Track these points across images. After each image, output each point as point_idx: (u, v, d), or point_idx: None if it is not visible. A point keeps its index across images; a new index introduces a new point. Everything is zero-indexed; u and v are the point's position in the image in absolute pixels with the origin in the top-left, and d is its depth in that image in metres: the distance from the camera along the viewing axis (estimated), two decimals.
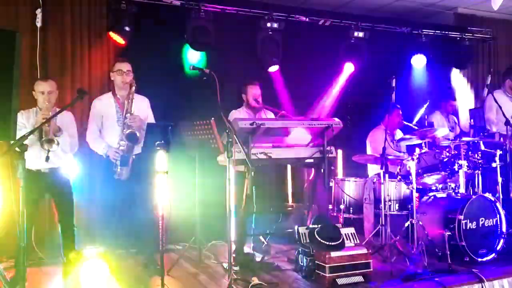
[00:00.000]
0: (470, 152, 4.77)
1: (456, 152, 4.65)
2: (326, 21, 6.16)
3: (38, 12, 4.71)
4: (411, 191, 4.47)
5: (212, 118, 3.97)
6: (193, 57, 5.48)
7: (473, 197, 4.32)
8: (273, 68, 5.87)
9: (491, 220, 4.39)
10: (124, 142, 4.04)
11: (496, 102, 5.27)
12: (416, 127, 5.17)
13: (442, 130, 5.05)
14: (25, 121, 3.94)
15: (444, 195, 4.63)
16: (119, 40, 5.02)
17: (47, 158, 3.74)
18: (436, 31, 6.78)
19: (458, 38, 6.88)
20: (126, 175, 4.07)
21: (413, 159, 4.43)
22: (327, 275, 3.58)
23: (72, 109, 4.32)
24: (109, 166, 4.09)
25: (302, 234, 3.97)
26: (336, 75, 6.33)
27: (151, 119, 4.38)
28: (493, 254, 4.29)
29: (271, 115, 4.94)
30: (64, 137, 3.95)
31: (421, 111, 5.39)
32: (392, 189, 4.81)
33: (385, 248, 4.37)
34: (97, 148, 4.18)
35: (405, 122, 5.42)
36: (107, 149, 4.11)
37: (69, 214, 4.12)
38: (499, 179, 4.86)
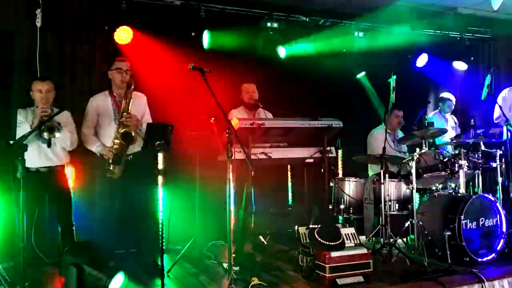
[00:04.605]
0: (470, 152, 4.77)
1: (456, 152, 4.65)
2: (326, 21, 6.16)
3: (38, 12, 4.71)
4: (411, 191, 4.47)
5: (212, 118, 3.97)
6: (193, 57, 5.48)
7: (473, 197, 4.32)
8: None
9: (491, 220, 4.39)
10: (118, 141, 4.04)
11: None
12: (415, 128, 5.17)
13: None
14: (23, 118, 3.95)
15: (444, 195, 4.63)
16: (119, 40, 5.01)
17: (49, 144, 3.75)
18: (436, 31, 6.78)
19: (458, 38, 6.88)
20: (118, 174, 4.08)
21: (413, 159, 4.43)
22: (327, 275, 3.57)
23: (72, 108, 4.32)
24: (104, 165, 4.09)
25: (302, 234, 3.97)
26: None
27: (148, 116, 4.38)
28: (493, 254, 4.29)
29: (270, 115, 4.95)
30: (64, 133, 3.95)
31: (421, 112, 5.40)
32: (392, 189, 4.81)
33: (385, 248, 4.37)
34: (91, 147, 4.19)
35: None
36: (101, 147, 4.12)
37: (68, 213, 4.12)
38: (499, 179, 4.86)
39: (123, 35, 4.98)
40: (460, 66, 6.91)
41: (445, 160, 4.62)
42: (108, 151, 4.07)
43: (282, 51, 5.97)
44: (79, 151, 4.38)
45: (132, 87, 4.12)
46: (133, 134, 4.03)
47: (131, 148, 4.15)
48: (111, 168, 4.06)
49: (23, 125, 3.86)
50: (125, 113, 4.06)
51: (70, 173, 4.23)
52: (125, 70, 4.20)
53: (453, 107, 6.45)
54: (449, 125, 6.30)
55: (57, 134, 3.79)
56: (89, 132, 4.21)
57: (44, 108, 3.82)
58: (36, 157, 3.96)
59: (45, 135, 3.74)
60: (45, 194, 4.17)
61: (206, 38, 5.40)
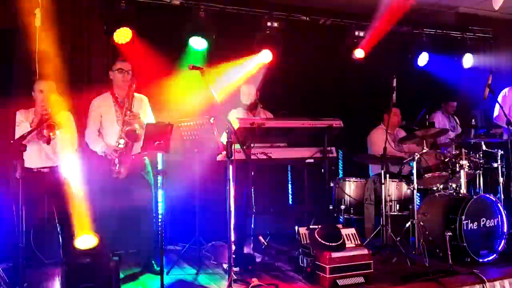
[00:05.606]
0: (471, 152, 4.76)
1: (458, 152, 4.64)
2: (327, 21, 6.14)
3: (38, 12, 4.70)
4: (412, 191, 4.46)
5: (212, 118, 3.96)
6: (193, 56, 5.47)
7: (474, 197, 4.31)
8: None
9: (492, 220, 4.38)
10: (123, 141, 4.03)
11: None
12: (416, 128, 5.16)
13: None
14: (23, 118, 3.97)
15: (445, 195, 4.61)
16: (119, 40, 5.00)
17: (48, 142, 3.75)
18: (437, 31, 6.76)
19: (459, 38, 6.86)
20: (124, 174, 4.07)
21: (414, 159, 4.42)
22: (327, 276, 3.56)
23: (73, 109, 4.31)
24: (108, 166, 4.08)
25: (302, 234, 3.96)
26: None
27: (150, 117, 4.37)
28: (494, 255, 4.27)
29: (270, 115, 4.94)
30: (63, 133, 3.95)
31: (422, 111, 5.38)
32: (393, 190, 4.80)
33: (386, 249, 4.35)
34: (95, 148, 4.17)
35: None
36: (106, 148, 4.11)
37: (68, 214, 4.11)
38: (500, 179, 4.85)
39: (123, 35, 4.97)
40: (468, 61, 6.87)
41: (446, 160, 4.60)
42: (113, 151, 4.06)
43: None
44: (81, 151, 4.37)
45: (134, 86, 4.11)
46: (137, 132, 4.02)
47: (133, 148, 4.14)
48: (117, 168, 4.05)
49: (23, 124, 3.88)
50: (129, 112, 4.06)
51: (71, 172, 4.22)
52: (126, 70, 4.19)
53: (455, 107, 6.43)
54: (451, 125, 6.28)
55: (57, 132, 3.79)
56: (93, 134, 4.21)
57: (44, 108, 3.83)
58: (37, 157, 3.97)
59: (45, 132, 3.75)
60: (45, 194, 4.16)
61: (206, 38, 5.38)
